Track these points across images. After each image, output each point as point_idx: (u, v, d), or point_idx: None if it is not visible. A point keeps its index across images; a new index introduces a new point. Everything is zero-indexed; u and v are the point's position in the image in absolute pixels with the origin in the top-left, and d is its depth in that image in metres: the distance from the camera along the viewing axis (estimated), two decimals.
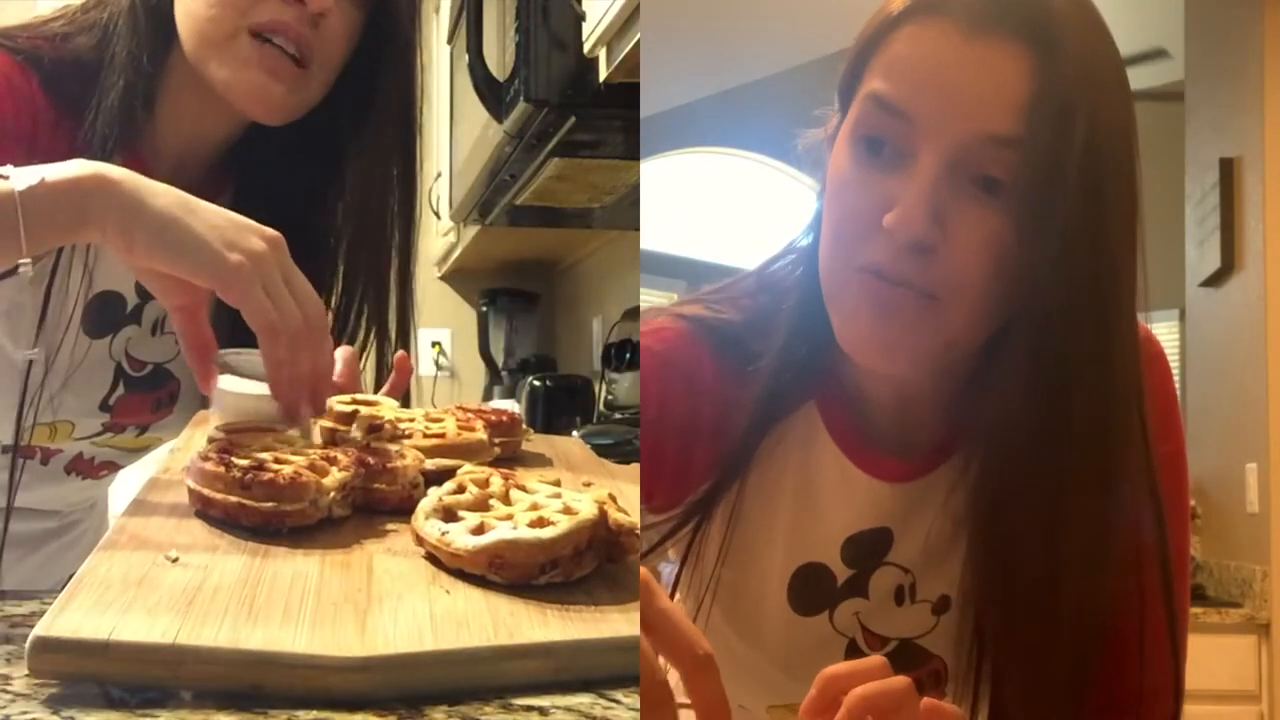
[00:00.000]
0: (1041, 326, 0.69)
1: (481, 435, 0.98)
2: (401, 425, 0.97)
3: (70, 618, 0.61)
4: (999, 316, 0.70)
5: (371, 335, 1.27)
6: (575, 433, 2.10)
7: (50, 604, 0.62)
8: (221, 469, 0.76)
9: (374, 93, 1.19)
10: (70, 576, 0.65)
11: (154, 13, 1.13)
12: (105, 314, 1.16)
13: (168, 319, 1.20)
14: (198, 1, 1.10)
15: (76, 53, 1.11)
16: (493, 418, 1.05)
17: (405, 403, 1.20)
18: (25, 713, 0.57)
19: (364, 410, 1.02)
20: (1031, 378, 0.70)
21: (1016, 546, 0.73)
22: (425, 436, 0.95)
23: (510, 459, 1.04)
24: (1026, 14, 0.68)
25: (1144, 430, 0.75)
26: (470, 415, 1.03)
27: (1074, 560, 0.73)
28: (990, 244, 0.68)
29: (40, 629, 0.59)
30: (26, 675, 0.61)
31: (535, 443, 1.13)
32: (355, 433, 0.97)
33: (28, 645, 0.59)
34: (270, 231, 0.87)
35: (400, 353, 1.23)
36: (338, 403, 1.04)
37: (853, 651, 0.83)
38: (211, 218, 0.85)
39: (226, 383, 0.96)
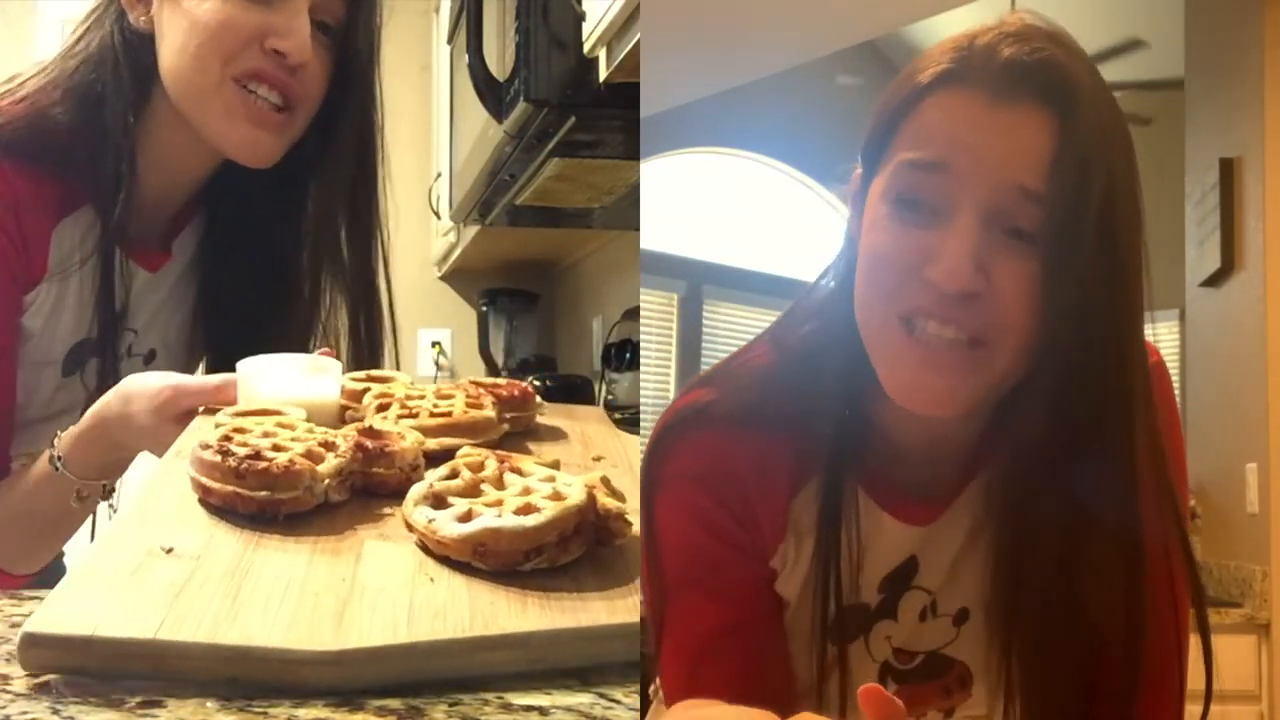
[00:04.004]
0: (1063, 362, 0.73)
1: (489, 413, 0.97)
2: (411, 403, 0.97)
3: (59, 612, 0.62)
4: (1033, 354, 0.74)
5: (346, 348, 1.31)
6: None
7: None
8: (219, 458, 0.77)
9: (335, 125, 1.24)
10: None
11: (137, 68, 1.17)
12: (76, 354, 1.22)
13: (132, 346, 1.28)
14: (182, 55, 1.15)
15: (51, 115, 1.16)
16: (504, 392, 1.04)
17: None
18: (25, 713, 0.57)
19: (376, 388, 1.02)
20: (1054, 407, 0.74)
21: (1038, 556, 0.77)
22: (431, 415, 0.95)
23: (524, 433, 1.03)
24: (1046, 81, 0.73)
25: (1155, 440, 0.78)
26: (481, 391, 1.02)
27: (1093, 566, 0.76)
28: (1027, 288, 0.72)
29: (29, 624, 0.61)
30: (27, 675, 0.62)
31: (554, 415, 1.11)
32: (363, 411, 0.97)
33: (18, 640, 0.60)
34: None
35: (327, 348, 1.26)
36: (350, 379, 1.04)
37: (886, 670, 0.85)
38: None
39: (252, 387, 0.99)
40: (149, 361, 1.29)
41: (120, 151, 1.16)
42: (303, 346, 1.30)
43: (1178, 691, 0.82)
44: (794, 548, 0.81)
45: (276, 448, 0.81)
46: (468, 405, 0.97)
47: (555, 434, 1.07)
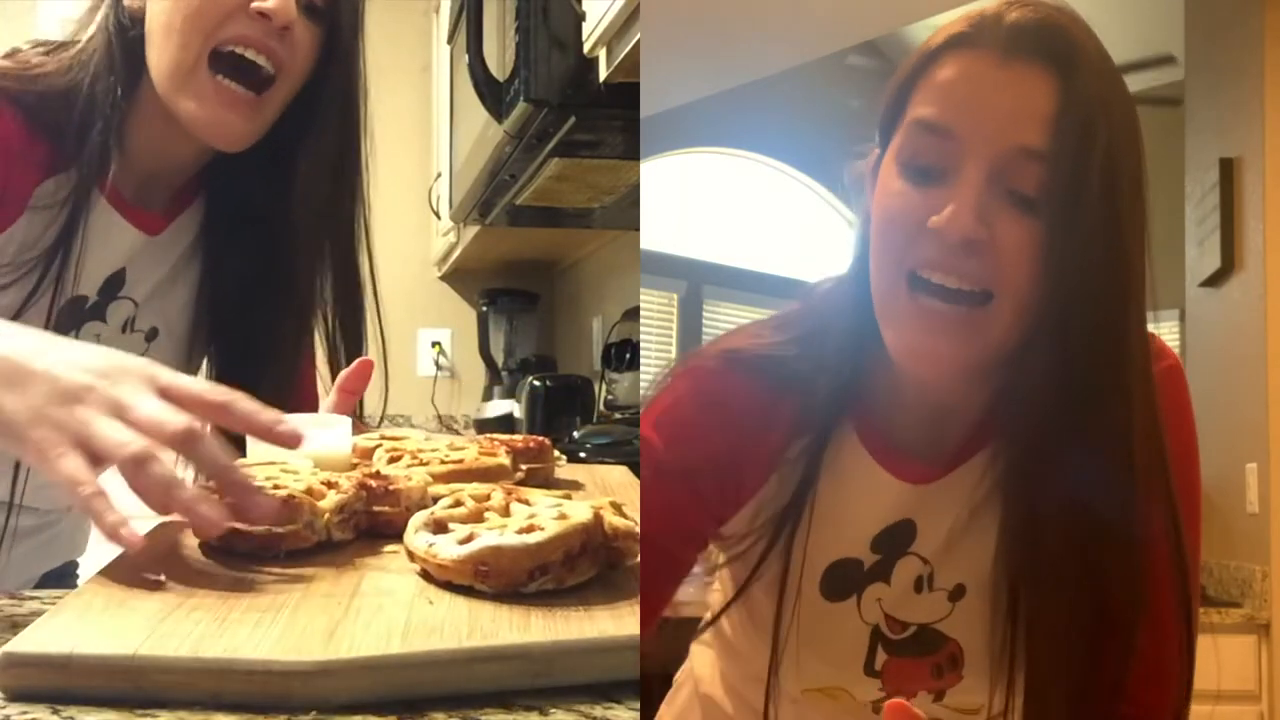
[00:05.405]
0: (1063, 327, 0.75)
1: (503, 460, 0.97)
2: (422, 455, 0.97)
3: (41, 635, 0.61)
4: (1034, 320, 0.75)
5: (337, 334, 1.31)
6: (575, 433, 2.10)
7: (51, 603, 0.62)
8: (215, 497, 0.75)
9: (319, 99, 1.25)
10: (42, 574, 0.65)
11: (128, 49, 1.18)
12: (68, 313, 1.20)
13: (135, 320, 1.26)
14: (168, 31, 1.16)
15: (52, 84, 1.17)
16: (520, 445, 1.04)
17: (360, 412, 1.24)
18: (25, 713, 0.57)
19: (388, 443, 1.02)
20: (1057, 377, 0.75)
21: (1044, 533, 0.77)
22: (443, 463, 0.94)
23: (540, 485, 1.02)
24: (1051, 41, 0.76)
25: (1155, 422, 0.79)
26: (496, 443, 1.02)
27: (1093, 551, 0.77)
28: (1029, 248, 0.74)
29: (10, 646, 0.59)
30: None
31: (574, 470, 1.11)
32: (375, 465, 0.96)
33: None
34: (100, 364, 0.79)
35: (365, 358, 1.25)
36: (364, 438, 1.04)
37: (877, 637, 0.86)
38: (31, 395, 0.77)
39: (262, 448, 0.98)
40: (150, 339, 1.29)
41: (108, 124, 1.17)
42: (299, 330, 1.30)
43: (1176, 687, 0.82)
44: (774, 491, 0.83)
45: (276, 486, 0.79)
46: (481, 454, 0.97)
47: (573, 486, 1.06)
